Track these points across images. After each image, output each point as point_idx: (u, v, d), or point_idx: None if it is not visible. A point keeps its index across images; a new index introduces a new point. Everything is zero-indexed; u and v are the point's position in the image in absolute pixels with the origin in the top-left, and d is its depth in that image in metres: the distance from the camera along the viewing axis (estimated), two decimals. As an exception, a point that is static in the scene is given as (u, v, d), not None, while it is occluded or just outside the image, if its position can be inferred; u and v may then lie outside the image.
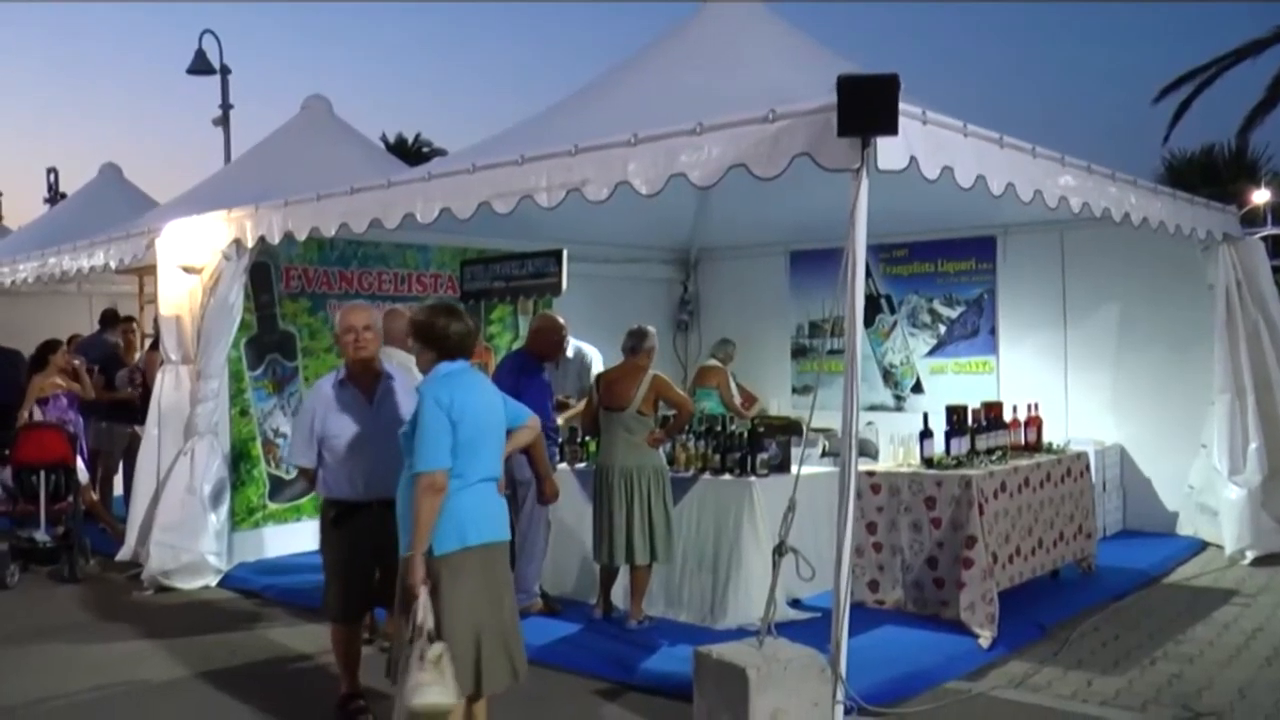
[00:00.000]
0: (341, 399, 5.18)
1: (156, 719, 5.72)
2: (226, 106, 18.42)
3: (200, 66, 17.83)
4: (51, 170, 34.53)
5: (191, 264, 8.36)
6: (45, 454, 8.89)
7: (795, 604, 6.73)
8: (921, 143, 5.11)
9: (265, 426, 8.94)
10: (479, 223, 6.69)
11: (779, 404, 10.53)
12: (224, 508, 8.45)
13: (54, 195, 34.89)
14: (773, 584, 5.09)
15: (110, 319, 11.60)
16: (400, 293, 9.56)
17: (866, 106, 4.73)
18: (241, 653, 6.73)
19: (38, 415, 9.49)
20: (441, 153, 37.42)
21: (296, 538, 9.00)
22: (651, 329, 7.08)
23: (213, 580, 8.33)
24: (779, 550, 5.08)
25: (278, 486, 9.02)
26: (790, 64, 6.64)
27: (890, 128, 4.77)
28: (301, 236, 7.54)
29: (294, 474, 9.02)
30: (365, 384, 5.19)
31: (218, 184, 10.36)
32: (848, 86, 4.76)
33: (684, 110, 5.64)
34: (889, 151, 4.89)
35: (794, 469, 7.01)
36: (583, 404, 7.58)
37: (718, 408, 9.27)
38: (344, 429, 5.12)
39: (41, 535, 8.87)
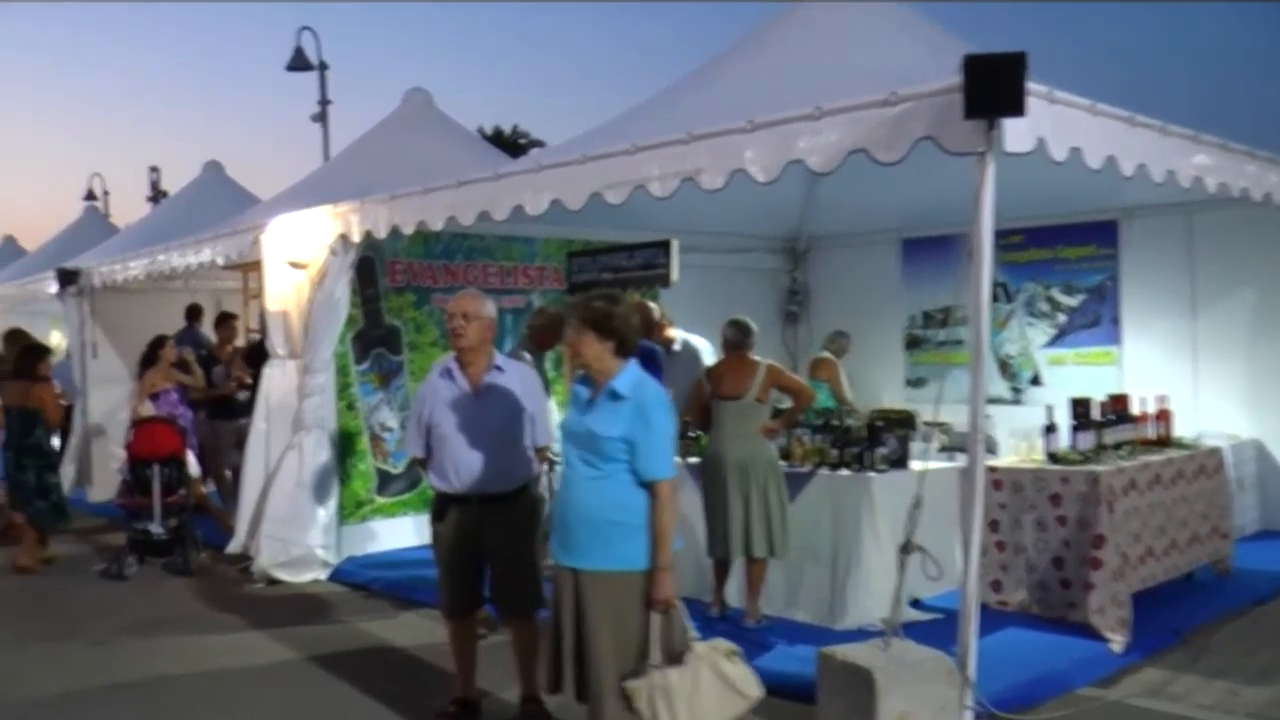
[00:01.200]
0: (446, 388, 5.21)
1: (268, 705, 5.88)
2: (324, 102, 18.78)
3: (299, 63, 18.19)
4: (154, 169, 35.59)
5: (298, 259, 8.52)
6: (158, 448, 9.17)
7: (915, 604, 6.63)
8: (1049, 123, 4.98)
9: (371, 421, 9.08)
10: (583, 213, 6.65)
11: (890, 397, 10.40)
12: (332, 501, 8.62)
13: (156, 194, 35.93)
14: (899, 583, 5.03)
15: (195, 313, 11.90)
16: (506, 286, 9.64)
17: (993, 87, 4.62)
18: (350, 644, 6.88)
19: (149, 410, 9.77)
20: (539, 144, 37.51)
21: (403, 532, 9.15)
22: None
23: (322, 574, 8.50)
24: (906, 548, 5.01)
25: (385, 481, 9.16)
26: (905, 45, 6.52)
27: (1017, 108, 4.64)
28: (408, 230, 7.62)
29: (400, 468, 9.20)
30: (472, 374, 5.20)
31: (320, 179, 10.52)
32: (975, 66, 4.65)
33: (799, 94, 5.57)
34: (1016, 133, 4.77)
35: (914, 464, 6.99)
36: None
37: (828, 401, 9.19)
38: (446, 419, 5.15)
39: (155, 528, 9.16)
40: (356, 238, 8.10)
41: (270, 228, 8.73)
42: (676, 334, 8.34)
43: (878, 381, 10.74)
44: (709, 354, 8.33)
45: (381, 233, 7.85)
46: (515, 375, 5.27)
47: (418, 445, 5.29)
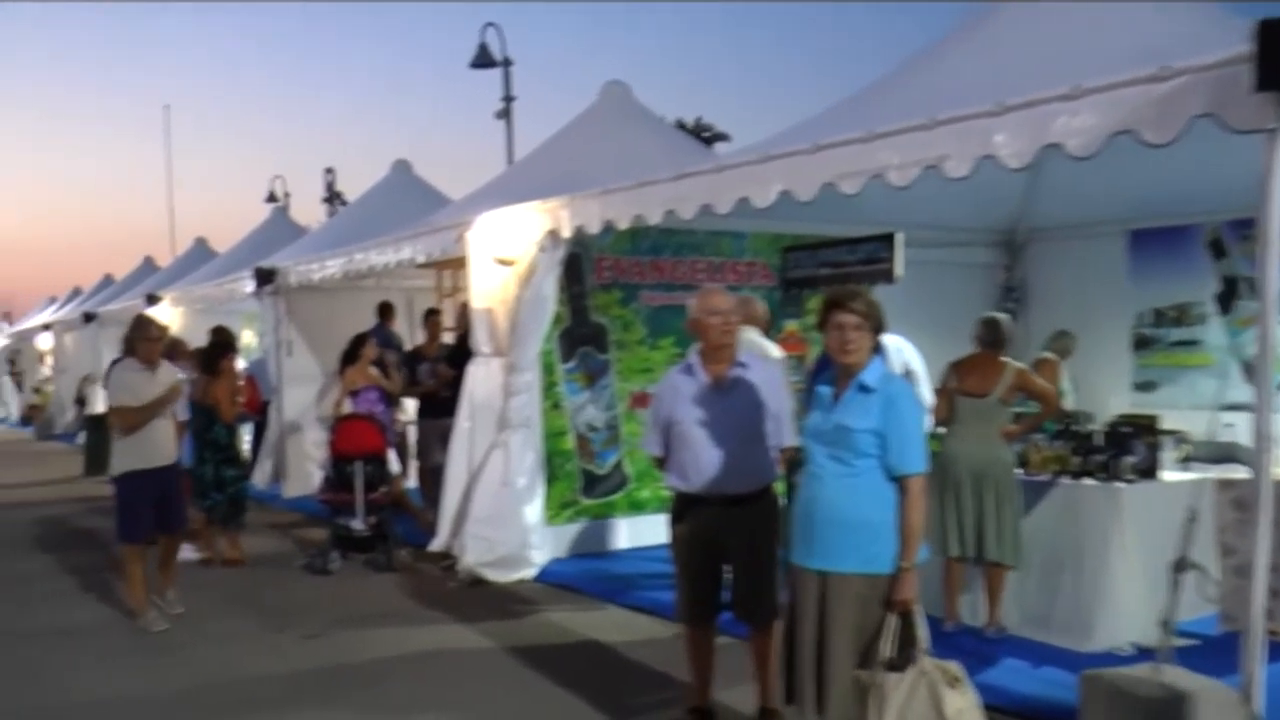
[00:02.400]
0: (688, 385, 5.19)
1: (486, 697, 6.02)
2: (509, 99, 19.08)
3: (483, 60, 18.53)
4: (329, 170, 36.94)
5: (504, 256, 8.64)
6: (361, 445, 9.45)
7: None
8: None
9: (577, 420, 9.15)
10: (789, 206, 6.56)
11: (1117, 402, 9.96)
12: (537, 501, 8.71)
13: (331, 195, 37.29)
14: (1171, 604, 4.78)
15: (387, 311, 12.18)
16: (715, 282, 9.57)
17: (1282, 55, 4.32)
18: (560, 641, 7.01)
19: (348, 407, 10.06)
20: (723, 137, 37.28)
21: (611, 534, 9.23)
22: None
23: (529, 573, 8.60)
24: (1180, 566, 4.76)
25: (591, 482, 9.22)
26: (1161, 16, 6.21)
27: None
28: (623, 226, 7.64)
29: (607, 469, 9.25)
30: (715, 370, 5.16)
31: (518, 175, 10.69)
32: (1270, 33, 4.37)
33: (1051, 72, 5.34)
34: (1312, 107, 4.46)
35: (1165, 474, 6.68)
36: None
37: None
38: (686, 416, 5.13)
39: (357, 524, 9.43)
40: (566, 233, 8.16)
41: (477, 224, 8.87)
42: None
43: (1102, 385, 10.30)
44: (915, 356, 8.13)
45: (594, 228, 7.89)
46: (759, 371, 5.21)
47: (656, 443, 5.28)
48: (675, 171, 7.22)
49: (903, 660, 4.09)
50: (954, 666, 4.15)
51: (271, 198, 30.60)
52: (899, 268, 7.98)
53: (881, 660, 4.09)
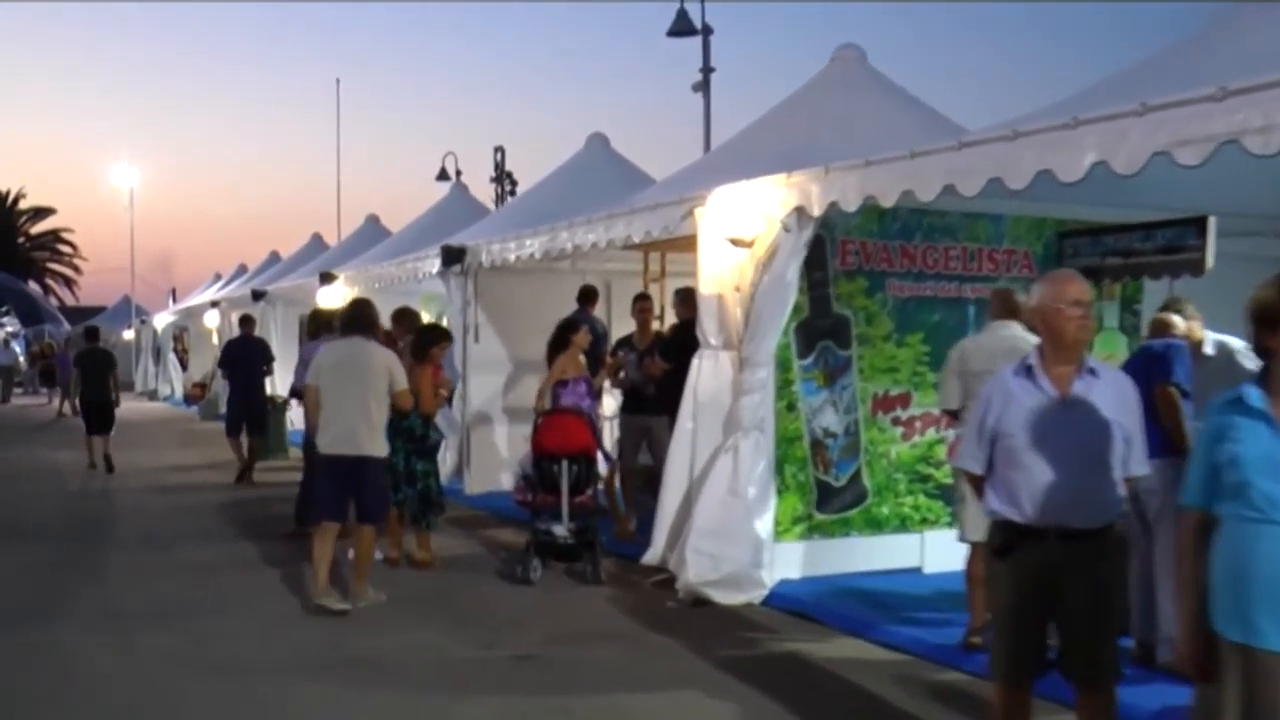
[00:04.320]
0: (1025, 390, 4.50)
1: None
2: (707, 70, 18.59)
3: (681, 28, 18.06)
4: (498, 149, 37.10)
5: (741, 236, 8.07)
6: (568, 443, 8.99)
7: None
8: None
9: (814, 424, 8.51)
10: (1051, 187, 5.96)
11: None
12: (768, 515, 8.13)
13: (500, 174, 37.43)
14: None
15: (589, 297, 11.71)
16: (969, 271, 8.87)
17: None
18: (808, 679, 6.43)
19: (549, 402, 9.65)
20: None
21: (845, 555, 8.57)
22: None
23: (756, 596, 8.02)
24: None
25: (826, 494, 8.57)
26: None
27: None
28: (888, 202, 6.99)
29: (844, 480, 8.60)
30: (1060, 375, 4.48)
31: (740, 148, 10.10)
32: None
33: None
34: None
35: None
36: None
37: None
38: (1020, 429, 4.45)
39: (560, 530, 8.98)
40: (816, 211, 7.55)
41: (711, 200, 8.32)
42: (1207, 335, 7.32)
43: None
44: (1248, 359, 7.26)
45: (851, 205, 7.26)
46: (1110, 382, 4.50)
47: (976, 458, 4.63)
48: (956, 139, 6.55)
49: None
50: None
51: (443, 175, 30.81)
52: (1210, 258, 7.18)
53: None
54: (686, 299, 9.66)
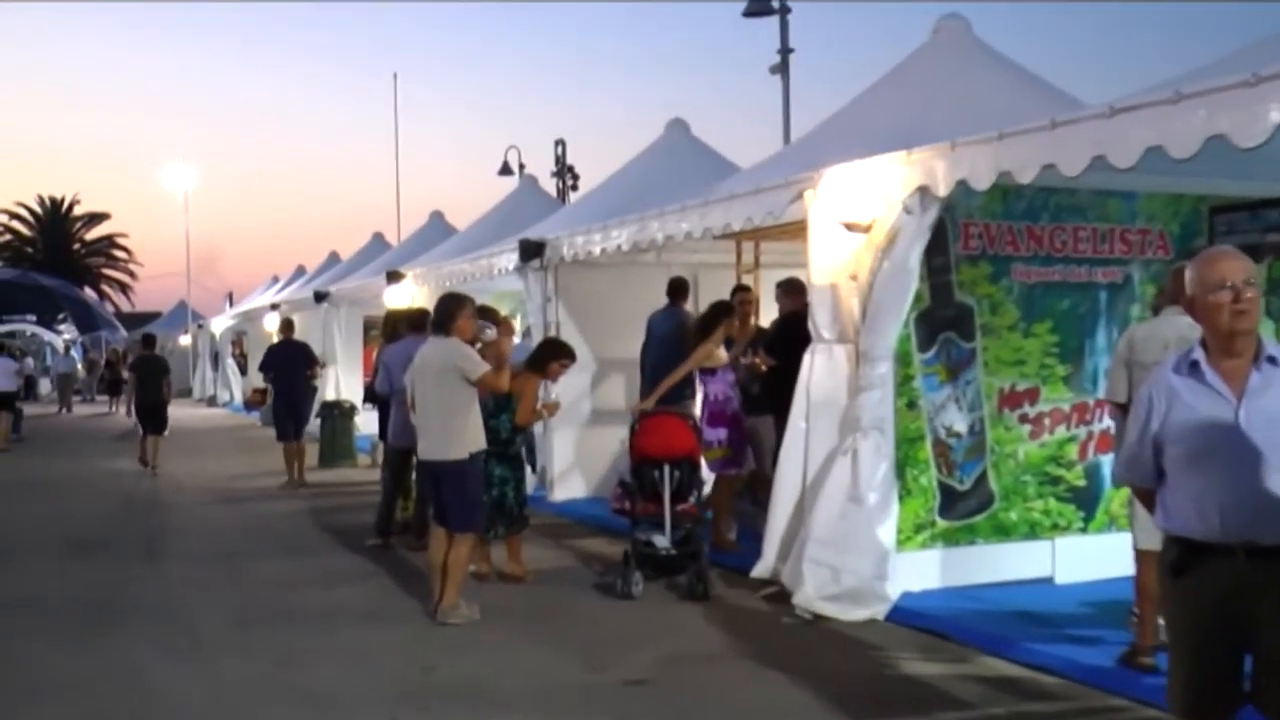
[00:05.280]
0: (1190, 389, 4.00)
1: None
2: (786, 50, 18.18)
3: (757, 8, 17.66)
4: (559, 142, 36.96)
5: (857, 220, 7.63)
6: (670, 446, 8.61)
7: None
8: None
9: (936, 423, 8.03)
10: (1197, 160, 5.55)
11: None
12: (890, 522, 7.69)
13: (561, 168, 37.27)
14: None
15: (680, 290, 11.32)
16: (1100, 253, 8.35)
17: None
18: (949, 709, 5.94)
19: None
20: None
21: (970, 565, 8.08)
22: None
23: (880, 611, 7.57)
24: None
25: (949, 499, 8.09)
26: None
27: None
28: (1026, 178, 6.52)
29: (968, 484, 8.13)
30: (1232, 369, 3.98)
31: (843, 125, 9.66)
32: None
33: None
34: None
35: None
36: None
37: None
38: (1190, 434, 3.94)
39: (662, 541, 8.60)
40: (942, 191, 7.09)
41: (824, 181, 7.88)
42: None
43: None
44: None
45: (982, 183, 6.81)
46: None
47: (1142, 469, 4.15)
48: (1106, 106, 6.06)
49: None
50: None
51: (506, 169, 30.64)
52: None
53: None
54: (793, 290, 9.24)
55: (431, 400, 7.95)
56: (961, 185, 6.97)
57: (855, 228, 7.66)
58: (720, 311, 9.68)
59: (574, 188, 35.06)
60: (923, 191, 7.25)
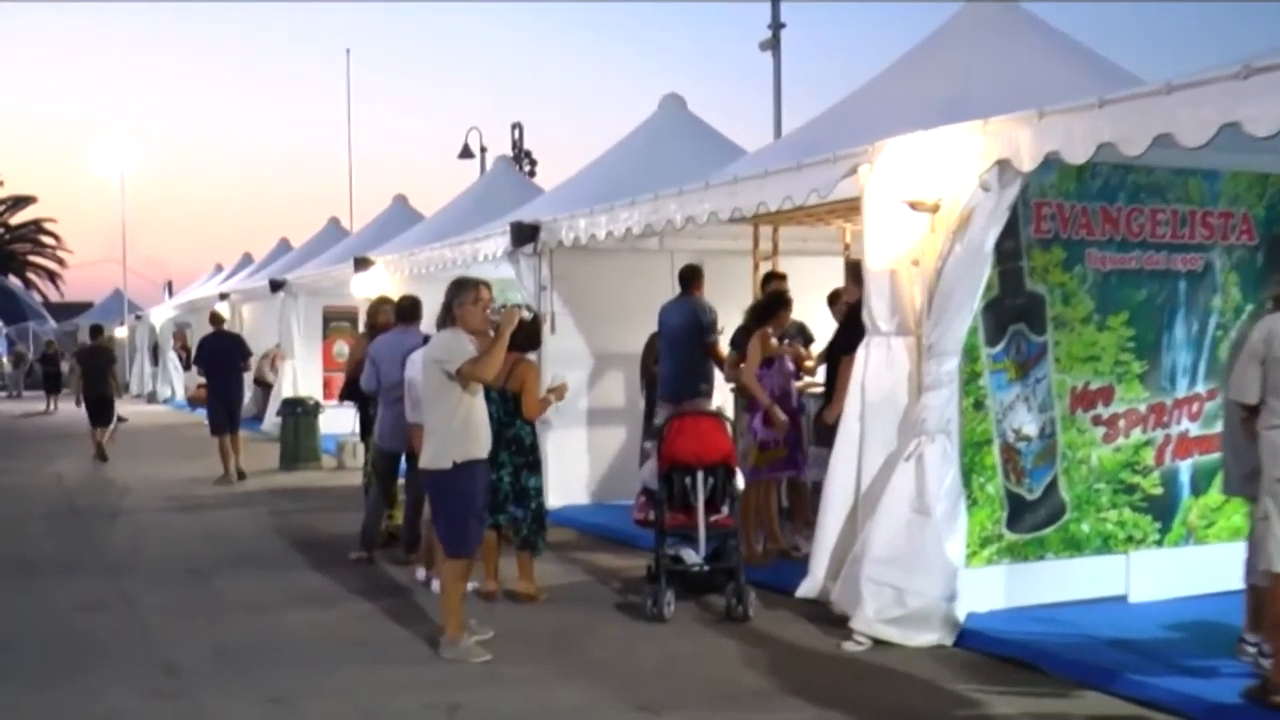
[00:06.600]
0: None
1: None
2: (777, 26, 17.72)
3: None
4: (515, 125, 36.54)
5: (922, 199, 7.04)
6: (704, 450, 7.98)
7: None
8: None
9: (1004, 425, 7.44)
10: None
11: None
12: (959, 536, 7.12)
13: (519, 153, 36.71)
14: None
15: (694, 278, 10.72)
16: (1178, 239, 7.79)
17: None
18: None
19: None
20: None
21: (1039, 581, 7.51)
22: None
23: (948, 635, 7.00)
24: None
25: (1017, 509, 7.50)
26: None
27: None
28: (1136, 149, 5.91)
29: (1038, 492, 7.57)
30: None
31: (875, 97, 9.09)
32: None
33: None
34: None
35: None
36: None
37: None
38: None
39: (693, 556, 8.01)
40: (1027, 165, 6.50)
41: (884, 154, 7.28)
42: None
43: None
44: None
45: (1078, 156, 6.22)
46: None
47: None
48: (1240, 66, 5.48)
49: None
50: None
51: (466, 152, 29.94)
52: None
53: None
54: (848, 275, 8.67)
55: (423, 402, 7.51)
56: (1054, 157, 6.38)
57: (921, 206, 7.06)
58: (778, 302, 9.23)
59: (531, 174, 34.39)
60: (1002, 165, 6.67)
